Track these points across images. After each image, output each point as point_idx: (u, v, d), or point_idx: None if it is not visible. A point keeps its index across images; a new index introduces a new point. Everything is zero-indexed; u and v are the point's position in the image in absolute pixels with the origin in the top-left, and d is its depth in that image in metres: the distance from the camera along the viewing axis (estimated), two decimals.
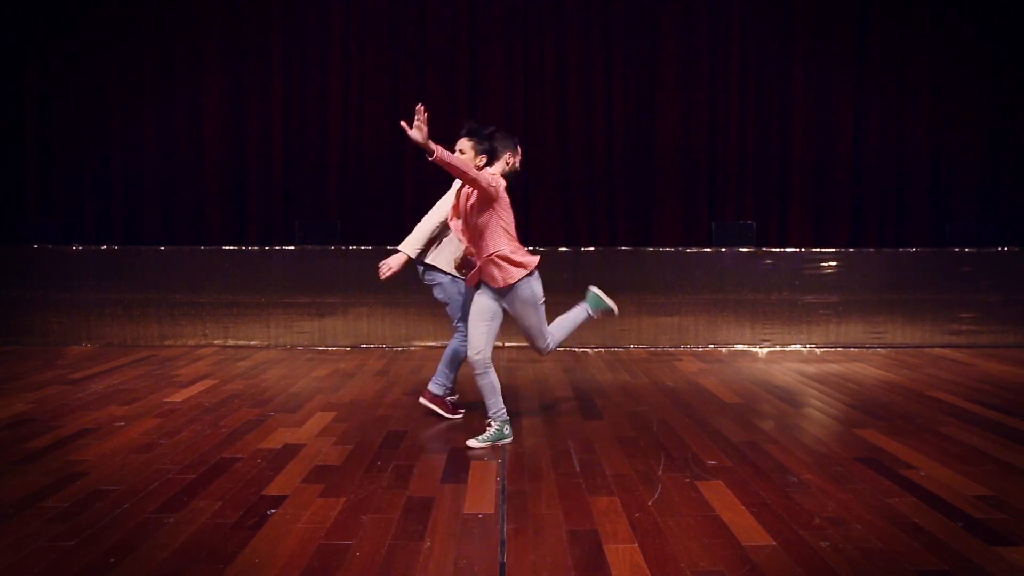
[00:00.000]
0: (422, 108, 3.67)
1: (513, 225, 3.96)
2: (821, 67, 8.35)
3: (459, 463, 3.69)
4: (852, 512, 3.04)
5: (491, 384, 3.97)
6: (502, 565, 2.59)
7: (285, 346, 7.11)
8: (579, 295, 7.12)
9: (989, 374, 5.97)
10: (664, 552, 2.68)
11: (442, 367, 4.54)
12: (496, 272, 3.88)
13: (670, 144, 8.29)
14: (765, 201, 8.43)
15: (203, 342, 7.14)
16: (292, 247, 7.24)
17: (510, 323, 7.21)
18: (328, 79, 8.23)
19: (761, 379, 5.78)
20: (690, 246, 7.84)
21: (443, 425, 4.40)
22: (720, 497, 3.21)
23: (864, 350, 7.12)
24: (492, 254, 3.88)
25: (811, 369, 6.19)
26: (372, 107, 8.24)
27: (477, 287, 4.03)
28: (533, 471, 3.58)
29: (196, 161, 8.20)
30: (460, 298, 4.48)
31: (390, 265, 4.44)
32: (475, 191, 3.86)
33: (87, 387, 5.31)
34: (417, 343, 7.16)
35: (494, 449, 3.93)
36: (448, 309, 4.57)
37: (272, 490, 3.29)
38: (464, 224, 4.01)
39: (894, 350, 7.11)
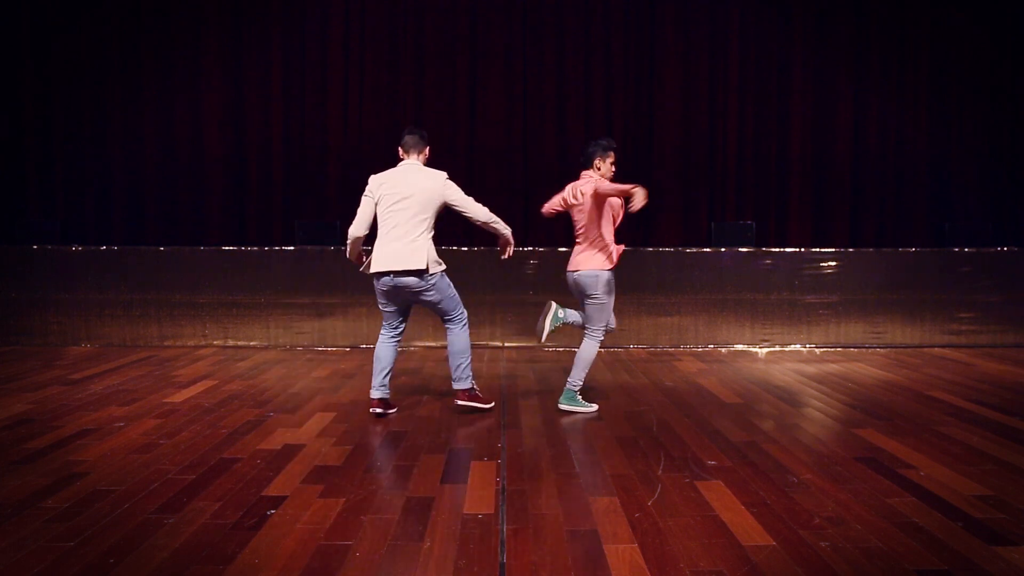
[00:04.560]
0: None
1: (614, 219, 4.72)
2: (821, 67, 8.36)
3: (459, 463, 3.69)
4: (852, 512, 3.04)
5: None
6: (502, 565, 2.59)
7: (285, 346, 7.11)
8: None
9: (989, 374, 5.98)
10: (664, 552, 2.68)
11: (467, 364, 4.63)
12: None
13: (670, 144, 8.30)
14: (765, 201, 8.44)
15: (203, 342, 7.14)
16: (292, 247, 7.24)
17: (512, 324, 7.21)
18: (328, 79, 8.23)
19: (761, 379, 5.78)
20: (690, 246, 7.85)
21: (442, 425, 4.40)
22: (720, 497, 3.21)
23: (864, 350, 7.12)
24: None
25: (811, 369, 6.19)
26: (372, 107, 8.25)
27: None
28: (533, 471, 3.58)
29: (196, 161, 8.21)
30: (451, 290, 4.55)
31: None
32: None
33: (87, 387, 5.31)
34: (417, 343, 7.16)
35: (494, 449, 3.94)
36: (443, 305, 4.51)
37: (272, 490, 3.29)
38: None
39: (894, 350, 7.12)
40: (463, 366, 4.57)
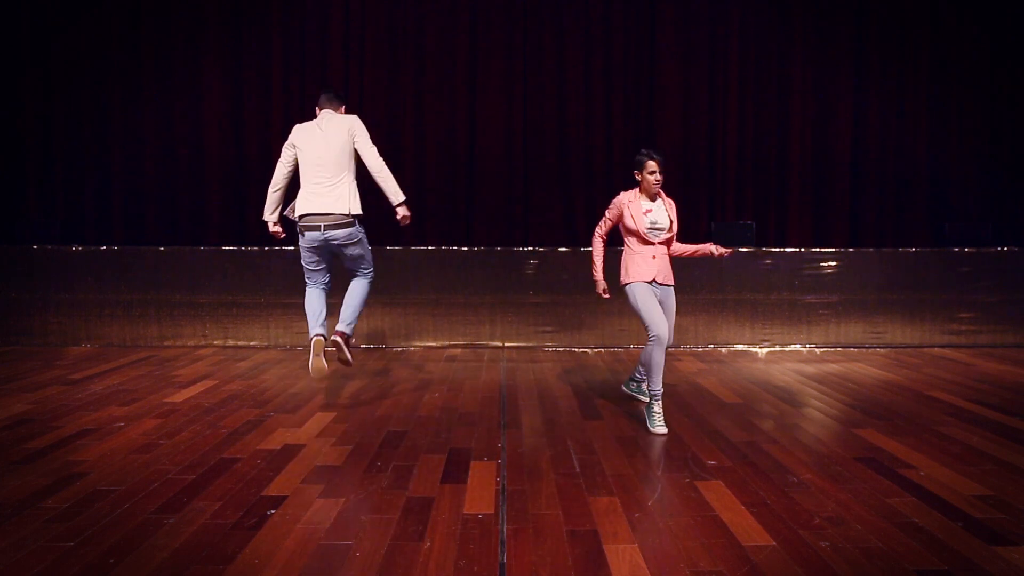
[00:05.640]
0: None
1: (633, 233, 4.51)
2: (821, 67, 8.36)
3: (459, 463, 3.69)
4: (852, 512, 3.04)
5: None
6: (502, 565, 2.59)
7: (285, 346, 7.11)
8: (579, 294, 7.15)
9: (989, 374, 5.98)
10: (664, 552, 2.68)
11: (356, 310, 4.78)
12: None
13: (670, 144, 8.29)
14: (765, 201, 8.44)
15: (203, 342, 7.14)
16: (292, 247, 7.23)
17: (512, 323, 7.21)
18: (328, 79, 8.22)
19: (761, 379, 5.78)
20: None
21: (442, 425, 4.40)
22: (720, 497, 3.22)
23: (864, 350, 7.12)
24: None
25: (811, 369, 6.19)
26: (371, 106, 8.25)
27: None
28: (533, 471, 3.58)
29: (196, 161, 8.20)
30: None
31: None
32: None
33: (87, 387, 5.31)
34: (417, 343, 7.16)
35: (494, 449, 3.94)
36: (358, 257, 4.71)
37: (272, 490, 3.30)
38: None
39: (894, 350, 7.12)
40: (353, 311, 4.71)
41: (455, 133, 8.30)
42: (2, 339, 7.06)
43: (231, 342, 7.14)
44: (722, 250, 4.56)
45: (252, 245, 7.58)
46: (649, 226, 4.45)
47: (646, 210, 4.47)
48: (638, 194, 4.51)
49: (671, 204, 4.59)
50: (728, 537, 2.81)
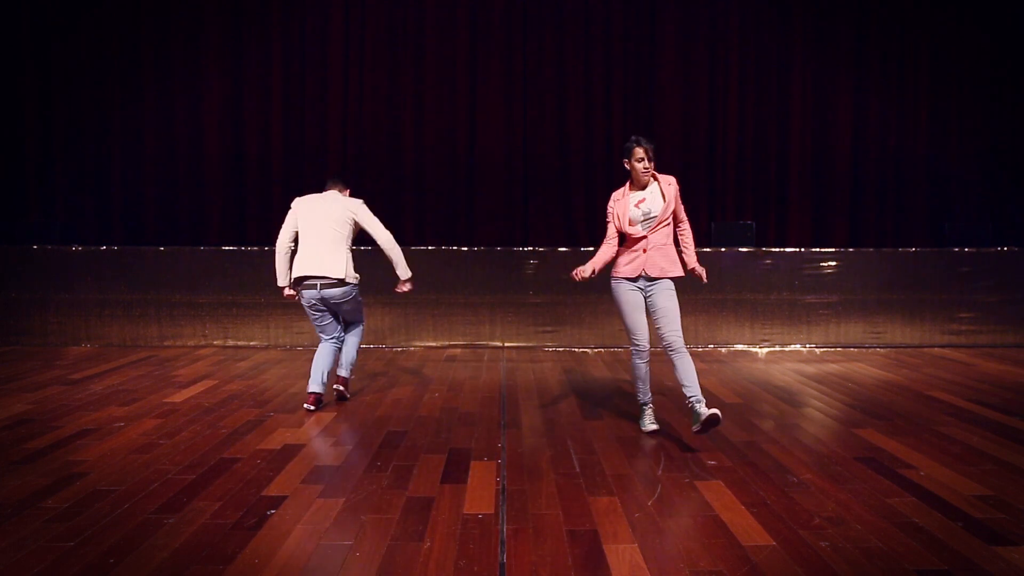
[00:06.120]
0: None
1: (621, 231, 4.26)
2: (821, 67, 8.36)
3: (459, 463, 3.69)
4: (852, 512, 3.04)
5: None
6: (502, 565, 2.59)
7: (285, 346, 7.11)
8: (579, 294, 7.14)
9: (989, 374, 5.97)
10: (664, 552, 2.68)
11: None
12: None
13: (670, 143, 8.29)
14: (765, 201, 8.44)
15: (203, 342, 7.14)
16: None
17: (512, 323, 7.21)
18: (328, 79, 8.23)
19: (761, 379, 5.78)
20: None
21: (442, 425, 4.40)
22: (720, 497, 3.21)
23: (864, 350, 7.12)
24: None
25: (811, 369, 6.19)
26: (371, 106, 8.25)
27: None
28: (533, 471, 3.57)
29: (196, 161, 8.21)
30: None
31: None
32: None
33: (87, 387, 5.31)
34: (417, 343, 7.16)
35: (494, 449, 3.94)
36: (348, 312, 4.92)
37: (272, 490, 3.29)
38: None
39: (894, 350, 7.12)
40: (352, 358, 4.97)
41: (455, 133, 8.30)
42: (2, 339, 7.06)
43: (231, 342, 7.14)
44: (699, 271, 4.26)
45: (252, 245, 7.58)
46: (642, 217, 4.14)
47: (638, 201, 4.16)
48: (627, 190, 4.22)
49: (669, 182, 4.18)
50: (728, 537, 2.81)
